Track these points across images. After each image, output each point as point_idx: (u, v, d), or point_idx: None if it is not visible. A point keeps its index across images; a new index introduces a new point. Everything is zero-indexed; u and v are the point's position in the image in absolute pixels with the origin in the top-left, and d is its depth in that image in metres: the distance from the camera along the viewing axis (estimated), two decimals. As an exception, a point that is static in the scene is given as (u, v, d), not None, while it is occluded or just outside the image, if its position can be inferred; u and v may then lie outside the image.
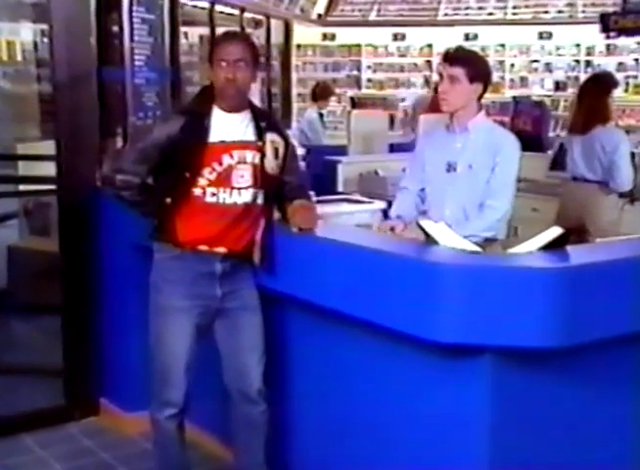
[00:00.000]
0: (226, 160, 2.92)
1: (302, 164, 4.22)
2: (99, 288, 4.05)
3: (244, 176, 2.94)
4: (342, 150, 6.62)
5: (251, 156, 2.95)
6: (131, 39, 4.36)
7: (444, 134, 3.48)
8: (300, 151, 5.14)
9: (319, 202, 3.99)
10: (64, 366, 4.09)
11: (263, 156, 2.96)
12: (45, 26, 4.56)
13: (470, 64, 3.35)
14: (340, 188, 5.58)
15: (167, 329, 2.98)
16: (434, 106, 6.30)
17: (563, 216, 5.04)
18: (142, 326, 3.12)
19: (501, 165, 3.33)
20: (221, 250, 2.96)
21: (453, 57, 3.37)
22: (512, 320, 2.36)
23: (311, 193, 3.31)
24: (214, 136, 2.91)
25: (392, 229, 3.40)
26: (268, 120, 3.03)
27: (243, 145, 2.94)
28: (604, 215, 4.97)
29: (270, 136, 2.99)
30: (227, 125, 2.94)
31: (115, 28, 4.34)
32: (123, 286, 3.88)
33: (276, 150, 3.00)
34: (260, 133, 2.97)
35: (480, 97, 3.41)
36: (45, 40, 6.42)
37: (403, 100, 10.43)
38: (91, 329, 4.07)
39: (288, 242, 2.92)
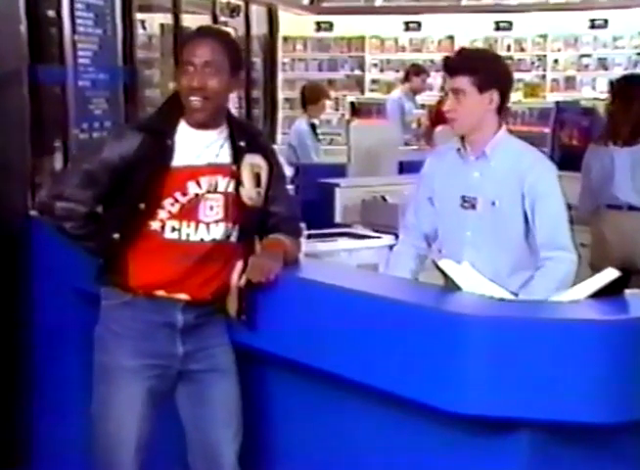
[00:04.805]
0: (192, 188, 2.94)
1: (291, 188, 4.24)
2: (29, 346, 4.04)
3: (213, 208, 2.97)
4: (339, 170, 6.65)
5: (225, 183, 2.98)
6: (73, 30, 4.41)
7: (456, 159, 3.47)
8: (288, 171, 5.17)
9: (311, 236, 4.02)
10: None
11: (239, 183, 2.99)
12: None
13: (474, 69, 3.32)
14: (337, 218, 5.60)
15: (113, 397, 2.98)
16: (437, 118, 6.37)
17: (603, 255, 5.03)
18: (83, 394, 3.11)
19: (543, 198, 3.31)
20: (183, 296, 2.97)
21: (453, 64, 3.38)
22: (555, 387, 2.37)
23: (302, 225, 3.34)
24: (179, 159, 2.94)
25: None
26: (249, 138, 3.06)
27: (214, 169, 2.97)
28: None
29: (250, 158, 3.02)
30: (196, 145, 2.96)
31: (52, 14, 4.37)
32: (61, 343, 3.87)
33: (257, 175, 3.03)
34: (237, 154, 3.01)
35: (500, 108, 3.38)
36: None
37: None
38: (16, 400, 4.06)
39: (271, 288, 2.92)
